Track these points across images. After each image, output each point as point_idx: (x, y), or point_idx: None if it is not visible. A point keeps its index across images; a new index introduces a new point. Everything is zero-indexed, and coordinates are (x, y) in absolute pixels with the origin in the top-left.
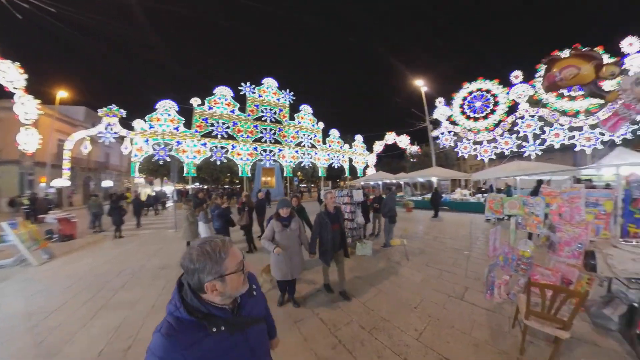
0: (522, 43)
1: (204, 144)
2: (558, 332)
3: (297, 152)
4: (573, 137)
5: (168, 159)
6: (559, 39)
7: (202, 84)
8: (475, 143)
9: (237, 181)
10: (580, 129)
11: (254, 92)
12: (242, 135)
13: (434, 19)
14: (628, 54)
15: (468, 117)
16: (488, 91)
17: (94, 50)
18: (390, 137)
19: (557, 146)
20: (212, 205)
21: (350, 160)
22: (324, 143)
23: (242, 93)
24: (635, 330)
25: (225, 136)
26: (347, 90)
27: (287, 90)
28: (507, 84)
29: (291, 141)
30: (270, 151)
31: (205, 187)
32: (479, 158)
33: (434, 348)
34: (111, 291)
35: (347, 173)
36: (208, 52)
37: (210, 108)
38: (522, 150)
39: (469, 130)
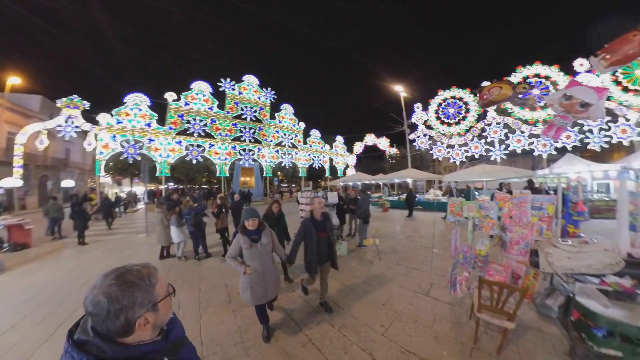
0: (492, 56)
1: (179, 142)
2: (505, 324)
3: (277, 152)
4: (532, 143)
5: (138, 158)
6: (521, 56)
7: (178, 77)
8: (448, 147)
9: (215, 181)
10: (538, 136)
11: (234, 89)
12: (220, 134)
13: (415, 31)
14: (579, 72)
15: (442, 122)
16: (461, 99)
17: (55, 34)
18: (370, 139)
19: (519, 151)
20: (186, 208)
21: (331, 160)
22: (305, 143)
23: (221, 89)
24: (570, 318)
25: (203, 134)
26: (328, 92)
27: (269, 89)
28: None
29: (271, 141)
30: (250, 150)
31: (180, 187)
32: (451, 160)
33: (398, 342)
34: (74, 304)
35: (327, 173)
36: (186, 45)
37: (186, 104)
38: (489, 154)
39: (443, 134)
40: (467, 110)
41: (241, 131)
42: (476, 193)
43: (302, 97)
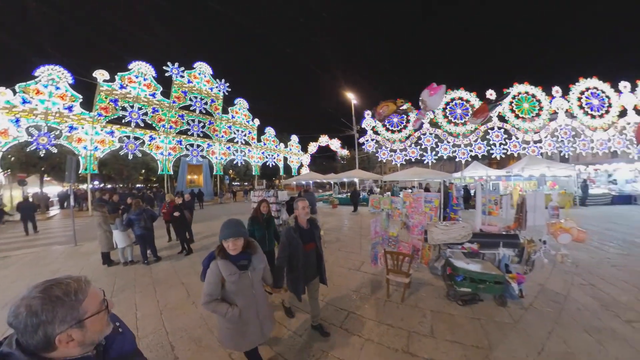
0: (434, 75)
1: (111, 133)
2: (403, 280)
3: (229, 148)
4: (455, 151)
5: (53, 150)
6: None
7: (113, 53)
8: (391, 151)
9: (155, 179)
10: (459, 145)
11: (182, 76)
12: (163, 126)
13: (370, 46)
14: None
15: (387, 129)
16: (405, 110)
17: None
18: (324, 140)
19: (445, 157)
20: (136, 209)
21: (285, 159)
22: (259, 141)
23: (167, 75)
24: (446, 272)
25: (142, 125)
26: (286, 91)
27: (222, 81)
28: (417, 106)
29: (223, 136)
30: (198, 146)
31: (109, 186)
32: (394, 163)
33: (334, 304)
34: None
35: (281, 172)
36: (124, 15)
37: (122, 87)
38: (423, 158)
39: (387, 140)
40: (408, 121)
41: (189, 124)
42: (409, 190)
43: (259, 94)
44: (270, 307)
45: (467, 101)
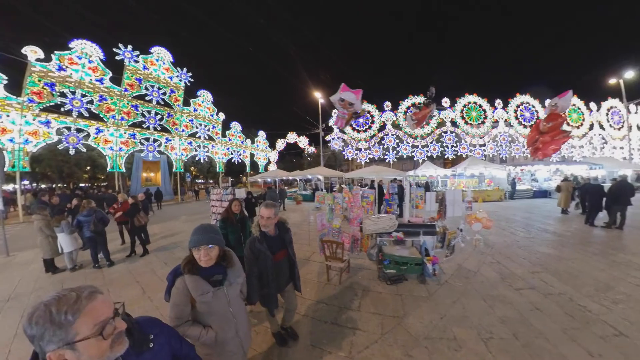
0: (397, 81)
1: (47, 123)
2: (339, 264)
3: (190, 143)
4: (413, 151)
5: None
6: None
7: (47, 26)
8: (356, 149)
9: (102, 177)
10: (417, 146)
11: (137, 61)
12: (113, 117)
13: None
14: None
15: (353, 129)
16: (369, 112)
17: None
18: (292, 137)
19: (405, 156)
20: (85, 210)
21: (252, 155)
22: (224, 136)
23: (118, 58)
24: (379, 257)
25: (86, 115)
26: (254, 85)
27: (184, 70)
28: (381, 109)
29: (183, 130)
30: (155, 140)
31: (44, 187)
32: (358, 161)
33: None
34: None
35: (248, 169)
36: None
37: (61, 69)
38: (385, 157)
39: (353, 139)
40: (372, 122)
41: (144, 116)
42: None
43: (224, 86)
44: (249, 322)
45: (420, 104)
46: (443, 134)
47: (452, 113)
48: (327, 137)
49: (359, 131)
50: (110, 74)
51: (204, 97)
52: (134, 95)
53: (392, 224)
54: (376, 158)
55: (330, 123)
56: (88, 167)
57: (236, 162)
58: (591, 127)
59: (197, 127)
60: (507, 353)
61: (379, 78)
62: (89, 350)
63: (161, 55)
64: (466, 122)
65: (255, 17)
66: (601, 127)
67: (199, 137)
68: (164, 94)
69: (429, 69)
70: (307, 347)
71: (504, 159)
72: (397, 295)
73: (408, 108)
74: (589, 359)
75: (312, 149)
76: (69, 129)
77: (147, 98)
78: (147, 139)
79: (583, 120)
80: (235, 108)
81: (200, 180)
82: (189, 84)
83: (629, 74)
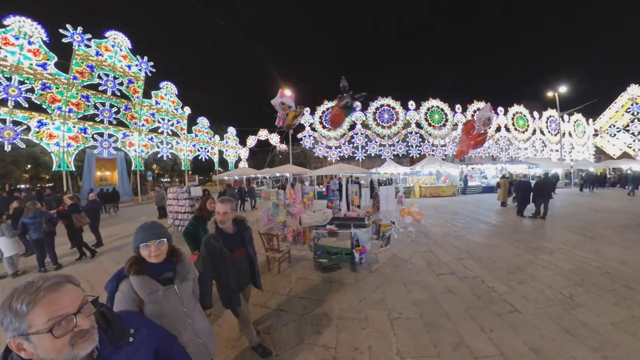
0: (367, 82)
1: None
2: (276, 255)
3: (151, 139)
4: (381, 150)
5: None
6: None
7: None
8: (327, 147)
9: (48, 177)
10: (384, 145)
11: (88, 46)
12: (59, 108)
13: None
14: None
15: (324, 127)
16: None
17: None
18: (263, 134)
19: (373, 155)
20: (31, 212)
21: (221, 152)
22: (190, 132)
23: (66, 41)
24: (315, 249)
25: (25, 105)
26: (224, 79)
27: (145, 58)
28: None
29: (144, 125)
30: (110, 135)
31: None
32: (329, 159)
33: None
34: None
35: (216, 166)
36: None
37: None
38: (355, 155)
39: (324, 137)
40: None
41: (97, 108)
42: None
43: (192, 79)
44: (209, 322)
45: (393, 108)
46: (408, 134)
47: (417, 115)
48: (299, 135)
49: (329, 129)
50: (56, 59)
51: (168, 90)
52: (85, 84)
53: (325, 217)
54: (346, 156)
55: (302, 121)
56: (29, 166)
57: (203, 160)
58: (534, 132)
59: (159, 122)
60: (408, 331)
61: (350, 78)
62: (42, 345)
63: (118, 40)
64: (429, 124)
65: (225, 9)
66: (541, 132)
67: (162, 132)
68: (121, 84)
69: (399, 72)
70: (231, 324)
71: (462, 158)
72: (328, 282)
73: (377, 109)
74: (480, 334)
75: (283, 147)
76: (4, 121)
77: (100, 88)
78: (101, 134)
79: (528, 126)
80: (203, 102)
81: (166, 179)
82: (150, 74)
83: (562, 89)
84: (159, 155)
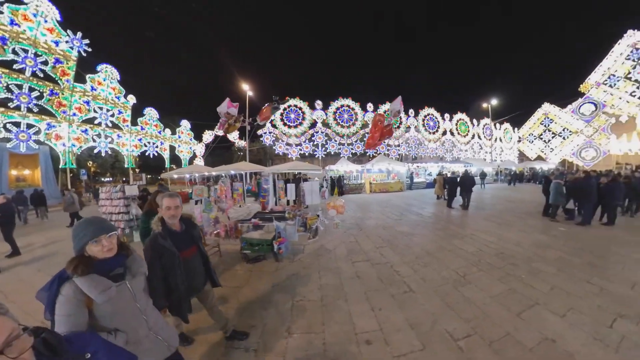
0: (326, 81)
1: None
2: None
3: (85, 132)
4: (340, 148)
5: None
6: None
7: None
8: (287, 144)
9: None
10: (343, 144)
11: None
12: None
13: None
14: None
15: (285, 124)
16: (300, 108)
17: None
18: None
19: (332, 153)
20: None
21: (173, 148)
22: (135, 124)
23: None
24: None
25: None
26: (177, 67)
27: (78, 35)
28: (313, 107)
29: (75, 114)
30: (30, 126)
31: None
32: (289, 156)
33: None
34: None
35: (167, 164)
36: None
37: None
38: (315, 153)
39: (284, 134)
40: (304, 119)
41: (10, 91)
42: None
43: (138, 63)
44: (165, 321)
45: (352, 109)
46: (366, 134)
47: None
48: (259, 132)
49: (290, 126)
50: None
51: (107, 74)
52: None
53: (248, 212)
54: (306, 154)
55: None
56: None
57: (152, 156)
58: (473, 136)
59: (95, 111)
60: (306, 311)
61: (313, 76)
62: None
63: (42, 9)
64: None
65: None
66: (479, 137)
67: (99, 124)
68: (45, 63)
69: (357, 74)
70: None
71: (413, 157)
72: (250, 272)
73: (337, 109)
74: (369, 313)
75: (242, 143)
76: None
77: (16, 67)
78: (17, 124)
79: (468, 131)
80: (152, 91)
81: (108, 179)
82: (84, 54)
83: (494, 101)
84: (95, 151)
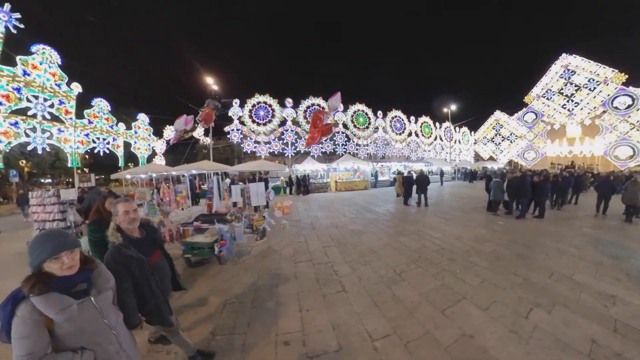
0: (301, 79)
1: None
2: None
3: (16, 125)
4: (309, 148)
5: None
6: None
7: None
8: (255, 142)
9: None
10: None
11: None
12: None
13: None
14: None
15: (254, 121)
16: (270, 105)
17: None
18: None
19: (302, 151)
20: None
21: (128, 145)
22: (81, 117)
23: None
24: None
25: None
26: (132, 51)
27: (6, 7)
28: (283, 104)
29: (1, 104)
30: None
31: None
32: (258, 154)
33: None
34: None
35: (121, 162)
36: None
37: None
38: (284, 151)
39: (253, 131)
40: (273, 116)
41: None
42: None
43: (85, 46)
44: (133, 338)
45: (323, 108)
46: (336, 134)
47: (344, 117)
48: (226, 129)
49: (259, 124)
50: None
51: (45, 57)
52: None
53: (189, 215)
54: (276, 152)
55: (230, 114)
56: None
57: (102, 154)
58: (435, 138)
59: (29, 101)
60: (234, 312)
61: (285, 74)
62: None
63: None
64: (355, 126)
65: None
66: (441, 139)
67: (34, 116)
68: None
69: (331, 74)
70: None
71: (381, 156)
72: (193, 275)
73: (308, 107)
74: (296, 314)
75: (208, 140)
76: None
77: None
78: None
79: (432, 133)
80: (102, 80)
81: (48, 180)
82: (14, 31)
83: (453, 107)
84: (30, 148)
